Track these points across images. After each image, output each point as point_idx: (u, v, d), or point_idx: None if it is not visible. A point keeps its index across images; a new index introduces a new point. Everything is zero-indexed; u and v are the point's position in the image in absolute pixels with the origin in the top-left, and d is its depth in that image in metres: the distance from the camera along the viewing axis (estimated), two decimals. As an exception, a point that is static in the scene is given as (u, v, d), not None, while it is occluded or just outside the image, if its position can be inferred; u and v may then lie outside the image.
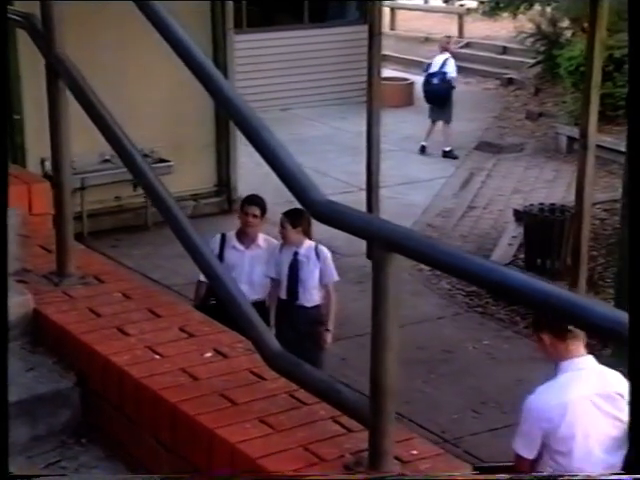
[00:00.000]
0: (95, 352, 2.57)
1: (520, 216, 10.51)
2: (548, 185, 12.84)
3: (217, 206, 11.29)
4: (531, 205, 10.10)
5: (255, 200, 7.08)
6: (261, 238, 7.04)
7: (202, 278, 6.36)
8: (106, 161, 10.81)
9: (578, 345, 4.34)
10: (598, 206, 11.03)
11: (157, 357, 2.57)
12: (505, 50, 17.43)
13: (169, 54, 2.42)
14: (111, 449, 2.56)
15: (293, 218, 6.86)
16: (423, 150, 13.96)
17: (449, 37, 14.86)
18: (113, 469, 2.51)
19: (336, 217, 2.14)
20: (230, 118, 2.37)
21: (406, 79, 16.88)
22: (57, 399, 2.57)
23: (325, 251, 7.02)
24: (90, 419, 2.60)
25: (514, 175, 13.34)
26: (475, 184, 12.95)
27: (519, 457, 4.46)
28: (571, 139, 13.46)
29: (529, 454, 4.41)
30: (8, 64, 2.58)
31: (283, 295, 6.86)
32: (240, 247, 7.00)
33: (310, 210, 2.17)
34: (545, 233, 9.59)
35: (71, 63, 2.78)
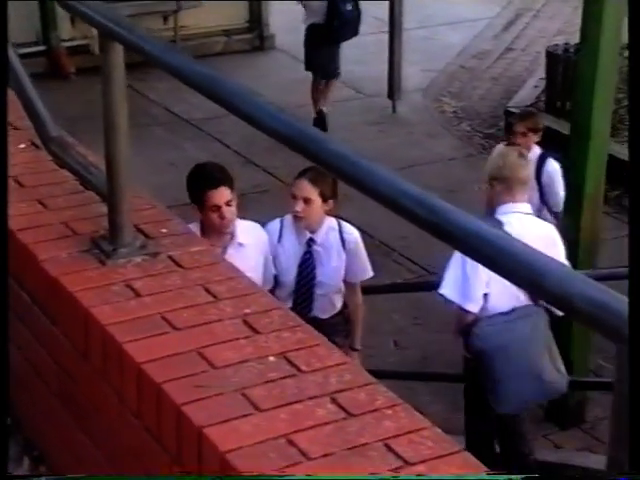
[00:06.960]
0: None
1: (551, 57, 10.29)
2: (594, 27, 12.46)
3: (248, 43, 11.34)
4: (556, 45, 9.87)
5: (221, 178, 4.21)
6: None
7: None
8: (135, -7, 10.89)
9: None
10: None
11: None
12: None
13: None
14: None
15: (320, 182, 4.42)
16: None
17: None
18: None
19: (73, 7, 2.29)
20: None
21: None
22: None
23: (354, 234, 4.72)
24: None
25: (562, 16, 12.96)
26: (519, 25, 12.65)
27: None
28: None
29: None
30: (7, 62, 2.65)
31: (287, 303, 4.46)
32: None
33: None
34: (567, 74, 9.38)
35: None
